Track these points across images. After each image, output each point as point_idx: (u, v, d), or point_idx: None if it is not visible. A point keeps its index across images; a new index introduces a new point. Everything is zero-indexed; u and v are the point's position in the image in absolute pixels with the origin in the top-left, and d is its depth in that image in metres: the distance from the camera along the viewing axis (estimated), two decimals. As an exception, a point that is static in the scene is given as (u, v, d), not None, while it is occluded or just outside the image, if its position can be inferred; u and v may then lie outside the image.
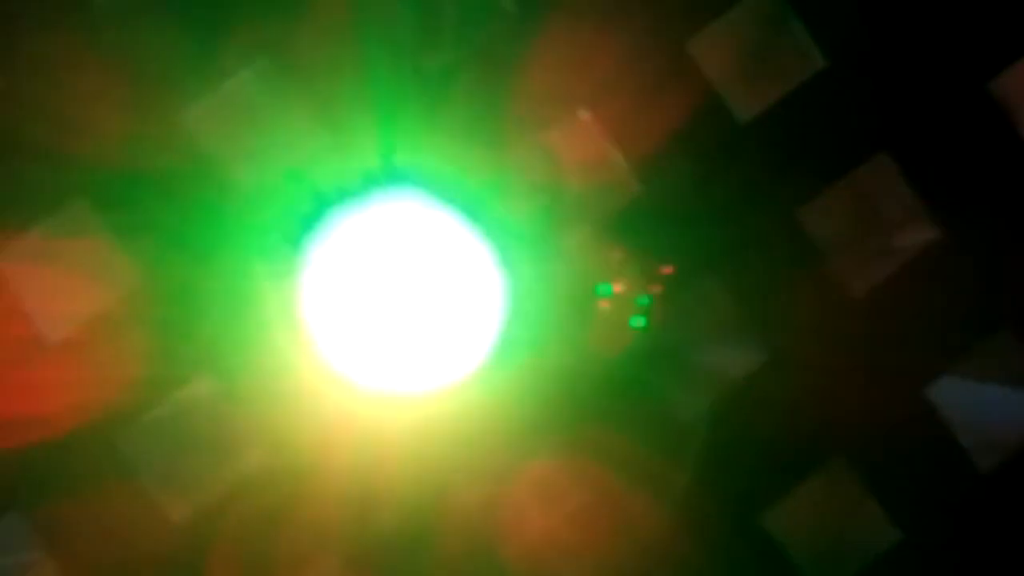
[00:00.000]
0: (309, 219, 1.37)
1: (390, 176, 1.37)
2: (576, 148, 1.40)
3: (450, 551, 1.38)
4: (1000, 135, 1.43)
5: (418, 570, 1.38)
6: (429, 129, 1.37)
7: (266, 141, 1.37)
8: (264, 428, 1.37)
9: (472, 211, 1.38)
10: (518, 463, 1.39)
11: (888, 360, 1.44)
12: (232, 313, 1.36)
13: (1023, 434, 1.46)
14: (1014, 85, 1.43)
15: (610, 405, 1.40)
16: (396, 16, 1.36)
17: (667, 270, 1.39)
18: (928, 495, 1.44)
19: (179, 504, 1.36)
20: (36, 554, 1.35)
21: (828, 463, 1.43)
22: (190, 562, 1.37)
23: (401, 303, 1.37)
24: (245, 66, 1.35)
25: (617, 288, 1.41)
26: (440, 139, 1.37)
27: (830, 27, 1.41)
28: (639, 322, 1.40)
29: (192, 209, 1.35)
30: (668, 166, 1.40)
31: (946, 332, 1.45)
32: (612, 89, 1.39)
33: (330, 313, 1.36)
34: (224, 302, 1.36)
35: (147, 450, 1.36)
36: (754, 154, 1.41)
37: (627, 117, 1.40)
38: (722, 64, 1.40)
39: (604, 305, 1.41)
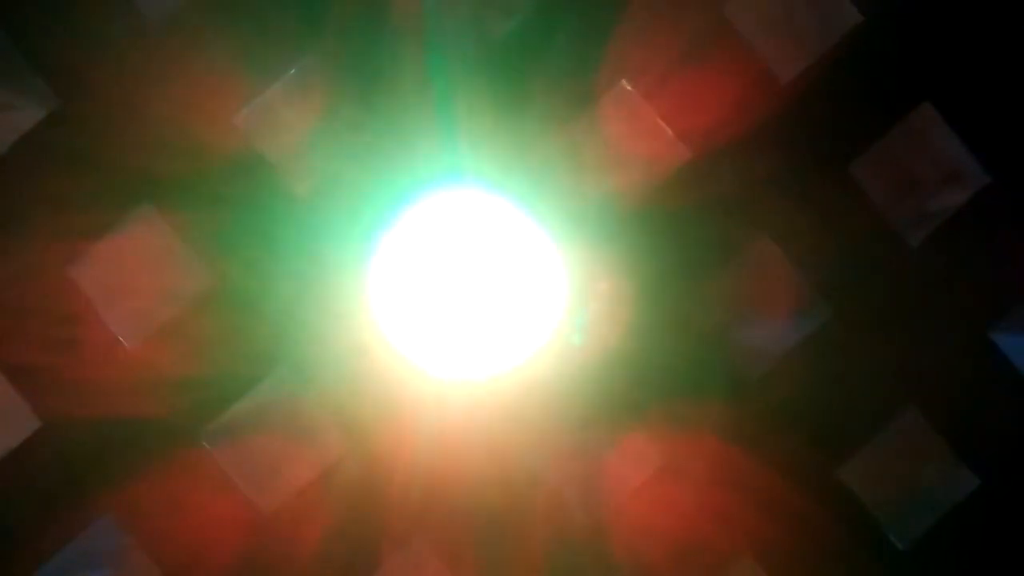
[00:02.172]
0: (372, 209, 1.39)
1: (452, 163, 1.39)
2: (621, 120, 1.42)
3: (522, 530, 1.40)
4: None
5: (489, 548, 1.40)
6: (489, 114, 1.39)
7: (324, 133, 1.39)
8: (338, 416, 1.39)
9: (530, 196, 1.40)
10: (582, 442, 1.41)
11: (949, 306, 1.45)
12: (301, 303, 1.39)
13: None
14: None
15: (669, 385, 1.42)
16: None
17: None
18: (1003, 439, 1.44)
19: (265, 493, 1.39)
20: (128, 553, 1.38)
21: (901, 413, 1.44)
22: (277, 550, 1.39)
23: (464, 290, 1.39)
24: (296, 61, 1.39)
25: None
26: (497, 123, 1.40)
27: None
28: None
29: (256, 203, 1.39)
30: (715, 133, 1.42)
31: (1007, 274, 1.45)
32: (652, 57, 1.41)
33: (396, 300, 1.39)
34: (293, 293, 1.39)
35: (229, 443, 1.38)
36: (797, 112, 1.43)
37: (669, 85, 1.41)
38: (760, 24, 1.42)
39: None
